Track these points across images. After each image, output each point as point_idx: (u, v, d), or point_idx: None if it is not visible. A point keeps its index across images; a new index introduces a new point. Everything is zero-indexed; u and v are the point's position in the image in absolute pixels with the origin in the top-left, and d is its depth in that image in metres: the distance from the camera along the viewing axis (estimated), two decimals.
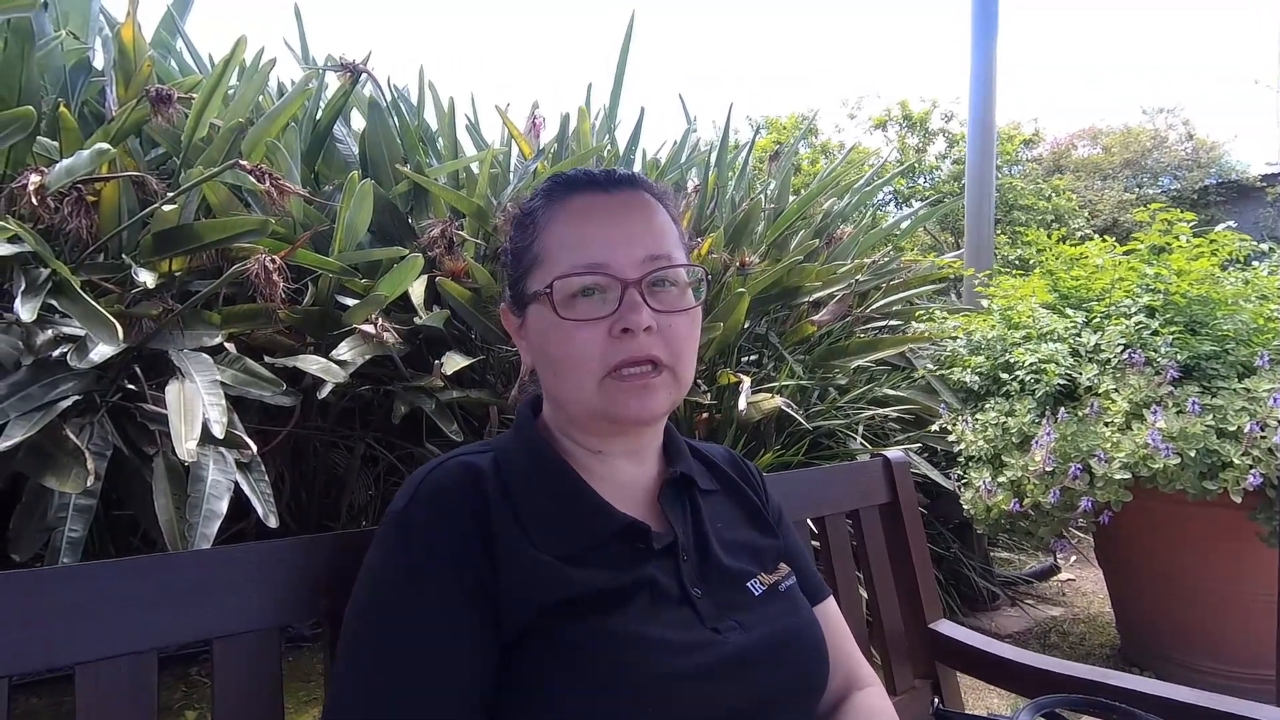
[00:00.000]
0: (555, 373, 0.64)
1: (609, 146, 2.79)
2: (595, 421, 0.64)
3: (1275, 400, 1.76)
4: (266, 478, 1.59)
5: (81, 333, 1.44)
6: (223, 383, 1.55)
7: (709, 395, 2.12)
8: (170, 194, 1.68)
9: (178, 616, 0.54)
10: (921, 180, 9.21)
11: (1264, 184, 9.39)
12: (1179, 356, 1.93)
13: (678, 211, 0.71)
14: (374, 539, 0.60)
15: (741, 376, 2.13)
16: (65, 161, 1.49)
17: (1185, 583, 2.05)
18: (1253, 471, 1.71)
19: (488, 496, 0.60)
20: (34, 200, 1.47)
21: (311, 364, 1.73)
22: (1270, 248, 2.37)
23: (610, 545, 0.61)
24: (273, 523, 1.53)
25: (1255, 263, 2.39)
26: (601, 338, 0.61)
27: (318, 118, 2.24)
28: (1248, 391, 1.84)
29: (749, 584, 0.66)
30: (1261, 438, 1.74)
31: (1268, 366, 1.87)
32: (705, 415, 2.15)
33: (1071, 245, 2.52)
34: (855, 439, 2.35)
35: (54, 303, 1.44)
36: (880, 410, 2.47)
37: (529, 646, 0.56)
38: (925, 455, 2.49)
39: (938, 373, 2.50)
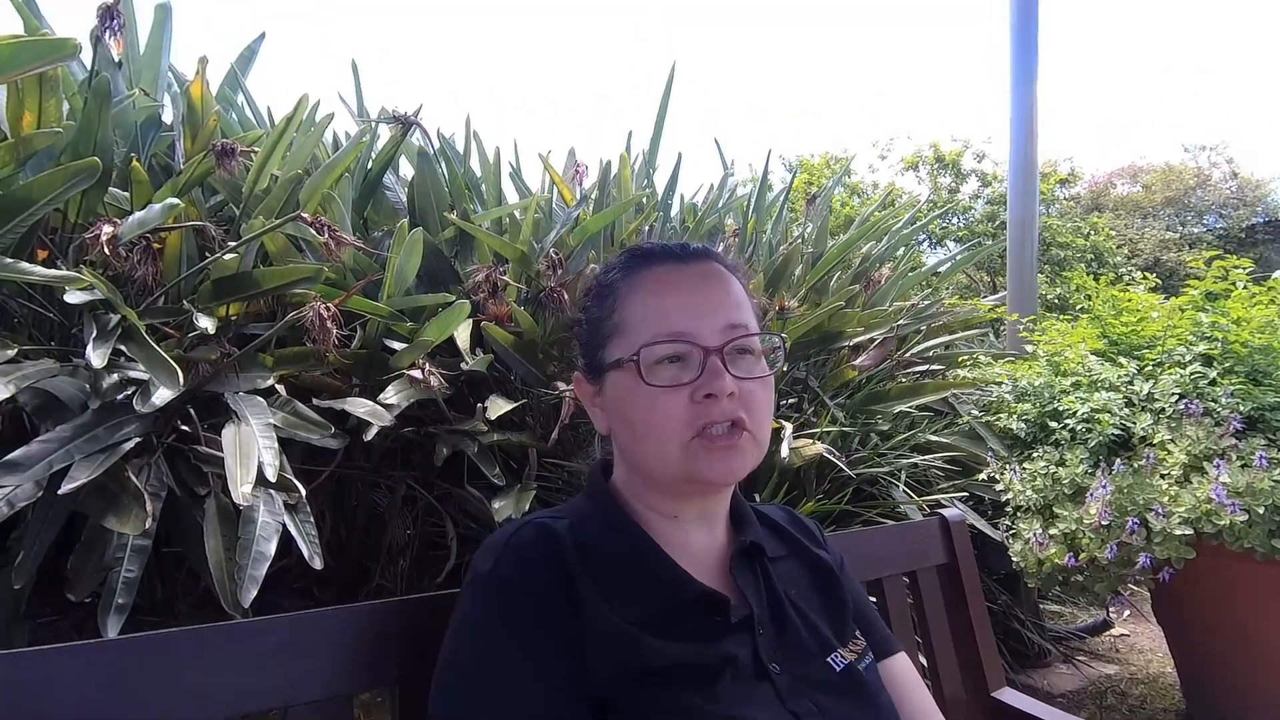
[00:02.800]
0: (636, 437, 0.65)
1: (648, 192, 2.83)
2: (677, 483, 0.65)
3: None
4: (312, 519, 1.61)
5: (146, 377, 1.48)
6: (275, 425, 1.59)
7: None
8: (231, 243, 1.74)
9: (252, 684, 0.55)
10: (956, 220, 9.15)
11: None
12: (1242, 408, 1.87)
13: (748, 282, 0.72)
14: (460, 599, 0.60)
15: (783, 423, 2.11)
16: (138, 214, 1.56)
17: (1259, 645, 1.95)
18: None
19: (568, 561, 0.60)
20: (106, 250, 1.54)
21: (359, 407, 1.76)
22: None
23: (689, 615, 0.61)
24: (318, 565, 1.54)
25: None
26: (685, 403, 0.62)
27: (369, 167, 2.32)
28: None
29: (829, 658, 0.65)
30: None
31: None
32: None
33: (1120, 289, 2.47)
34: (899, 487, 2.31)
35: (122, 348, 1.50)
36: (923, 457, 2.42)
37: (613, 715, 0.56)
38: (970, 503, 2.43)
39: (983, 419, 2.45)
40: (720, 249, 2.77)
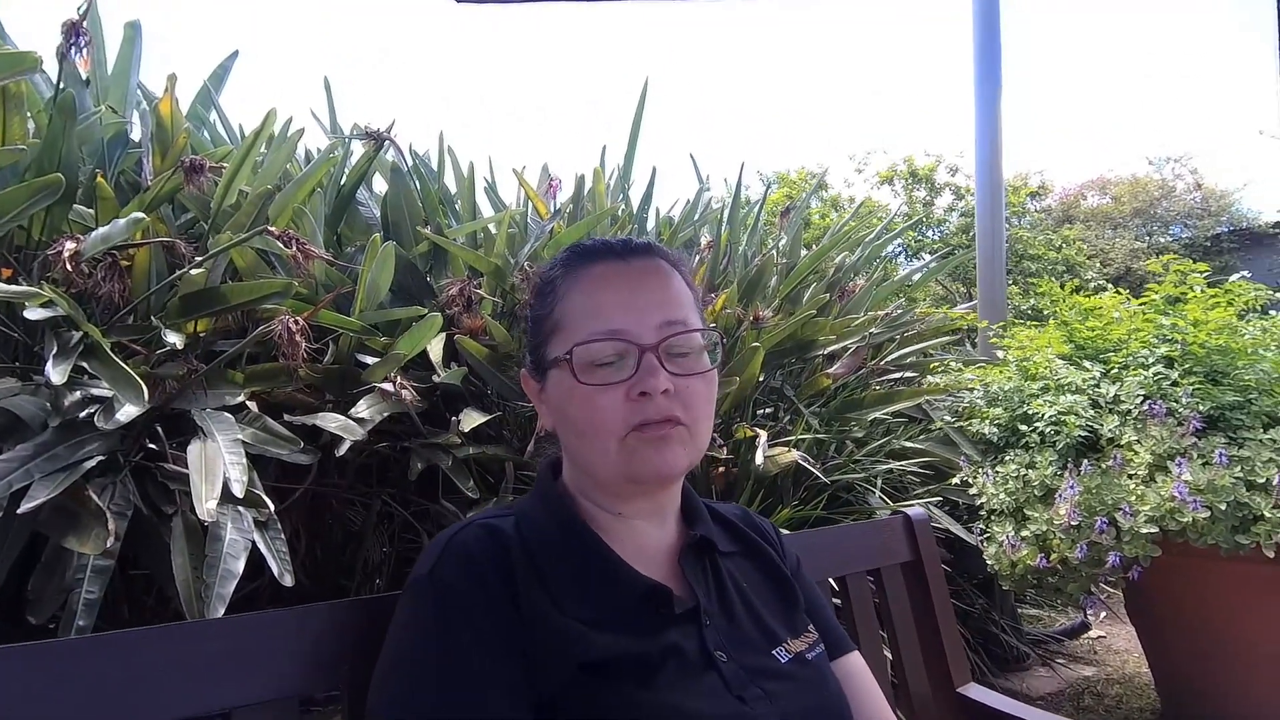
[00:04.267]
0: (577, 436, 0.65)
1: (623, 206, 2.85)
2: (618, 482, 0.65)
3: None
4: (283, 536, 1.59)
5: (109, 394, 1.47)
6: (243, 441, 1.57)
7: (725, 449, 2.10)
8: (199, 258, 1.73)
9: (199, 686, 0.54)
10: (931, 233, 9.30)
11: (1276, 231, 9.39)
12: (1201, 407, 1.91)
13: (692, 277, 0.73)
14: (401, 602, 0.60)
15: (758, 431, 2.12)
16: (101, 229, 1.55)
17: (1225, 641, 1.98)
18: None
19: (513, 560, 0.60)
20: (68, 266, 1.53)
21: (331, 422, 1.75)
22: None
23: (633, 609, 0.62)
24: (288, 581, 1.52)
25: (1273, 311, 2.38)
26: (620, 401, 0.63)
27: (342, 182, 2.32)
28: (1274, 442, 1.81)
29: (774, 650, 0.65)
30: None
31: None
32: (722, 470, 2.14)
33: (1085, 296, 2.53)
34: (874, 493, 2.32)
35: (84, 365, 1.48)
36: (898, 463, 2.44)
37: (559, 713, 0.56)
38: (946, 509, 2.45)
39: (956, 424, 2.48)
40: (695, 261, 2.79)
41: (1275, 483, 1.71)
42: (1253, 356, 2.03)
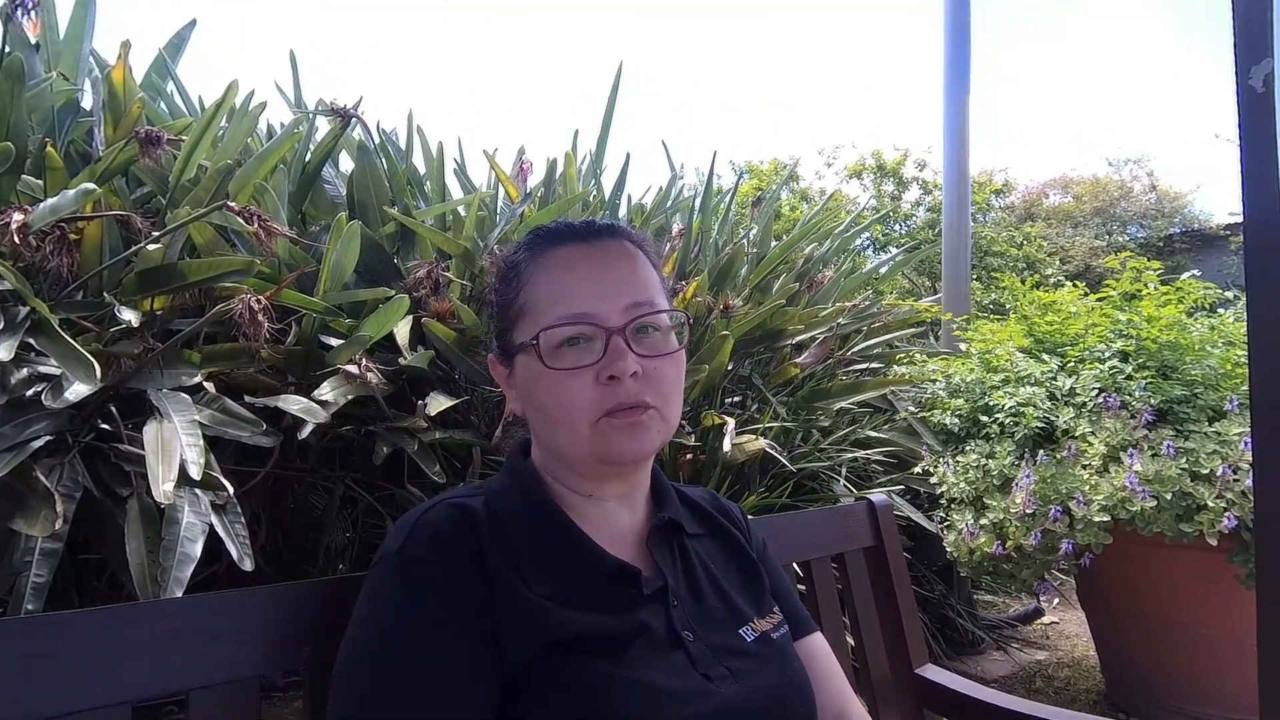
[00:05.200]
0: (546, 421, 0.65)
1: (595, 192, 2.84)
2: (590, 464, 0.65)
3: (1245, 444, 1.80)
4: (242, 519, 1.56)
5: (58, 371, 1.42)
6: (200, 423, 1.53)
7: (693, 437, 2.12)
8: (156, 233, 1.68)
9: (156, 667, 0.53)
10: (898, 227, 9.43)
11: (1227, 233, 9.72)
12: (1152, 400, 1.97)
13: (658, 257, 0.73)
14: (368, 580, 0.59)
15: (726, 418, 2.14)
16: (50, 200, 1.48)
17: (1169, 626, 2.06)
18: (1227, 514, 1.74)
19: (482, 538, 0.60)
20: (15, 238, 1.47)
21: (293, 404, 1.71)
22: (1235, 295, 2.45)
23: (602, 588, 0.62)
24: (247, 566, 1.49)
25: (1221, 310, 2.47)
26: (589, 385, 0.62)
27: (307, 160, 2.26)
28: (1218, 435, 1.88)
29: (741, 630, 0.66)
30: (1234, 480, 1.77)
31: (1236, 410, 1.92)
32: (690, 457, 2.15)
33: (1045, 291, 2.59)
34: (839, 481, 2.36)
35: (31, 341, 1.42)
36: (863, 452, 2.48)
37: (527, 689, 0.56)
38: (908, 497, 2.50)
39: (919, 415, 2.53)
40: (666, 249, 2.79)
41: (1219, 474, 1.78)
42: (1200, 353, 2.11)
